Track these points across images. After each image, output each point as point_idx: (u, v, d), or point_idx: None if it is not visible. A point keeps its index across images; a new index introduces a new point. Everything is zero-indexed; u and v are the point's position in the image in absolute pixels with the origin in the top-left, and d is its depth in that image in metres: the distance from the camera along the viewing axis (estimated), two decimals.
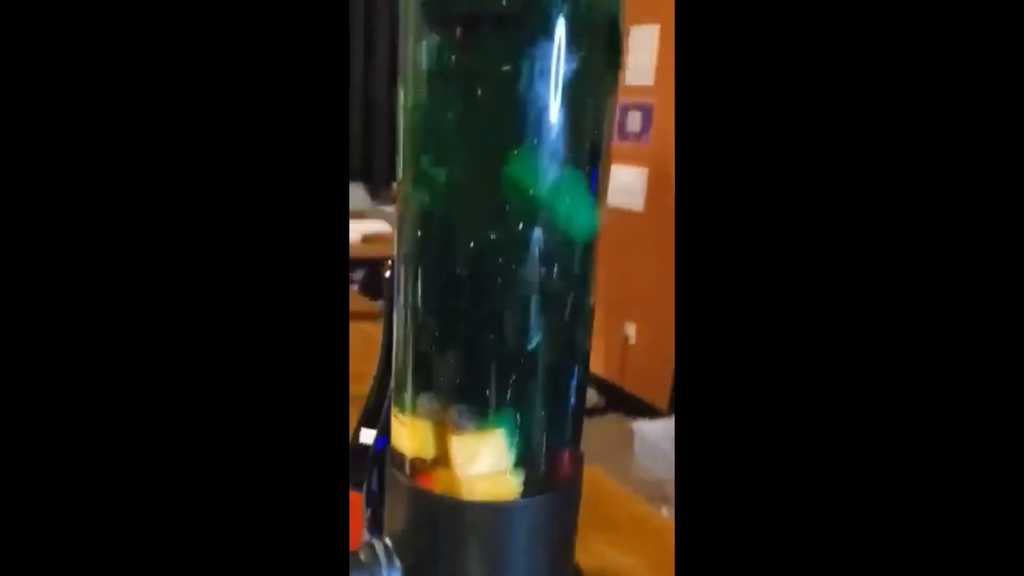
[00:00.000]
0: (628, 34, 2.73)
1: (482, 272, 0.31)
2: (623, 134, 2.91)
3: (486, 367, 0.32)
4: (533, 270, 0.31)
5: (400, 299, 0.34)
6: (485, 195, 0.31)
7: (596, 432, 2.74)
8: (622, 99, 2.79)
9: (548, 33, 0.29)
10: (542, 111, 0.30)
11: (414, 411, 0.34)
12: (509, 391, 0.32)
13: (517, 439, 0.32)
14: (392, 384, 0.36)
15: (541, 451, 0.34)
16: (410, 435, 0.34)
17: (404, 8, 0.31)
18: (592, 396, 2.66)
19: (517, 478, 0.33)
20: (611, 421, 2.90)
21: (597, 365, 3.06)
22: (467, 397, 0.32)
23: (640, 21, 2.78)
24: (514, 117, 0.30)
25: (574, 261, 0.32)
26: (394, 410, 0.35)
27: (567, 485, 0.35)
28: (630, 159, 2.87)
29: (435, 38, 0.30)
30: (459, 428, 0.32)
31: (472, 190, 0.32)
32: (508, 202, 0.31)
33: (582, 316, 0.34)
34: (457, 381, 0.32)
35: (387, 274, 0.65)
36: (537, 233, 0.31)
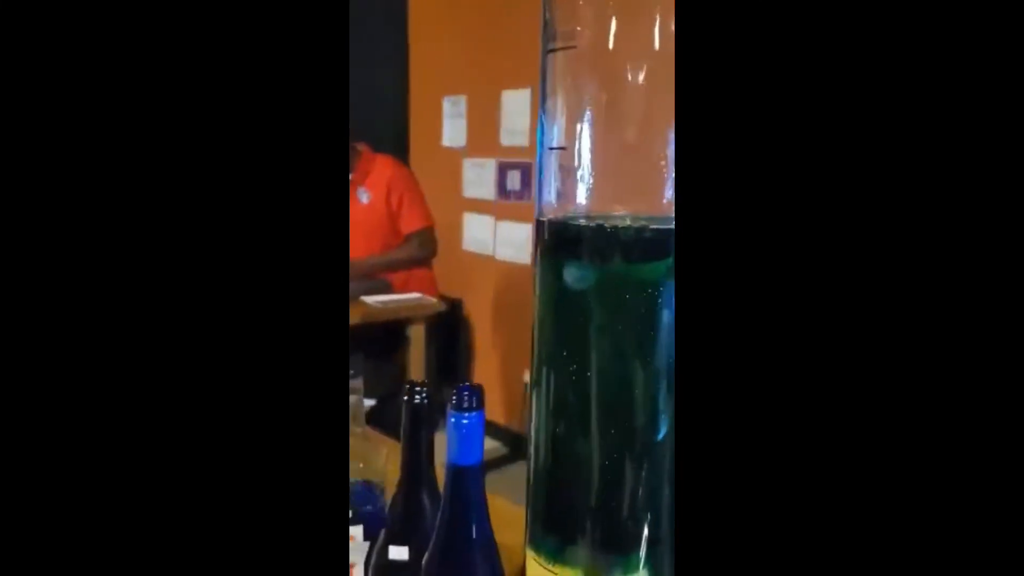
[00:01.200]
0: (500, 100, 2.86)
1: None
2: (504, 193, 3.04)
3: (628, 522, 0.40)
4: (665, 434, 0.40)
5: (544, 458, 0.41)
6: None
7: (504, 480, 2.81)
8: (501, 159, 2.93)
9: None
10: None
11: (562, 561, 0.41)
12: (650, 538, 0.40)
13: None
14: (528, 526, 0.43)
15: None
16: None
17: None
18: (495, 446, 2.74)
19: None
20: (519, 468, 2.98)
21: (497, 414, 3.14)
22: (614, 547, 0.40)
23: (513, 86, 2.93)
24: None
25: None
26: (535, 556, 0.42)
27: None
28: (514, 215, 3.00)
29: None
30: (607, 574, 0.40)
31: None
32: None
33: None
34: (606, 532, 0.40)
35: (405, 398, 0.71)
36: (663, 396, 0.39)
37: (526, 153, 2.99)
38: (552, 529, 0.42)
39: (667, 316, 0.38)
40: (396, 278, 2.39)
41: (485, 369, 2.94)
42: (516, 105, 2.93)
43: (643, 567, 0.40)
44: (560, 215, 0.39)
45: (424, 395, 0.69)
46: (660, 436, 0.40)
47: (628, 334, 0.39)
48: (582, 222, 0.38)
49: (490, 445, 2.50)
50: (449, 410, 0.61)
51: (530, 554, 0.43)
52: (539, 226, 0.40)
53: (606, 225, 0.38)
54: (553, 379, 0.41)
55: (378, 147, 2.54)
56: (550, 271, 0.40)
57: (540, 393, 0.41)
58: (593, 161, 0.37)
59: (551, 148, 0.38)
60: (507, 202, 3.06)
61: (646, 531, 0.40)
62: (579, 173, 0.38)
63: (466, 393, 0.62)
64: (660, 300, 0.38)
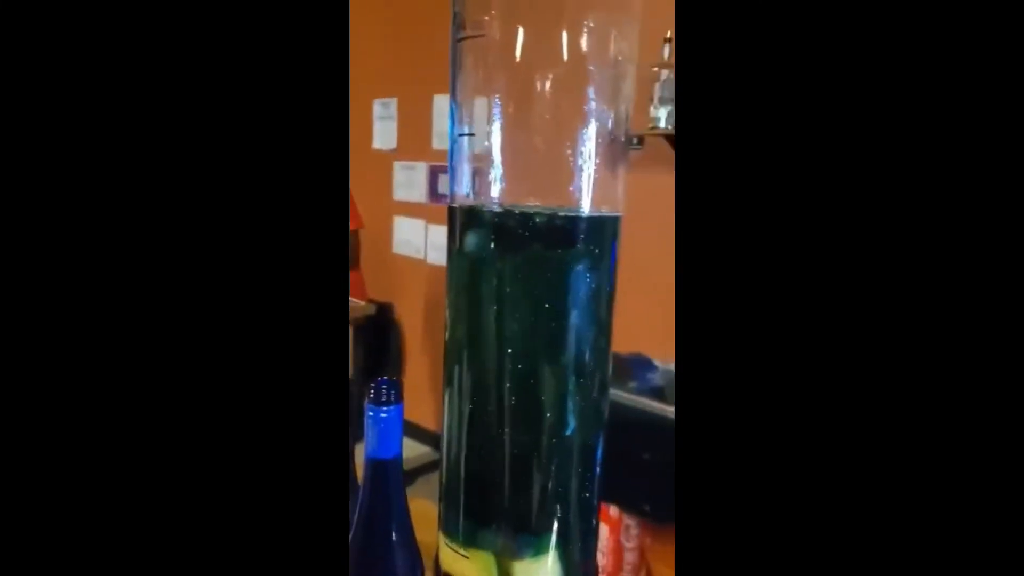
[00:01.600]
0: (432, 103, 2.86)
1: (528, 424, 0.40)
2: (435, 196, 3.04)
3: (542, 506, 0.41)
4: (574, 428, 0.41)
5: (455, 446, 0.42)
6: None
7: (433, 484, 2.80)
8: (432, 163, 2.92)
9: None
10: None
11: (475, 545, 0.42)
12: (558, 522, 0.41)
13: (565, 560, 0.41)
14: (441, 515, 0.43)
15: (578, 566, 0.43)
16: (472, 565, 0.42)
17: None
18: (426, 451, 2.72)
19: None
20: None
21: (427, 418, 3.13)
22: (525, 529, 0.41)
23: (444, 89, 2.93)
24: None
25: (600, 417, 0.42)
26: (448, 542, 0.43)
27: None
28: (442, 218, 2.99)
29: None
30: (519, 556, 0.41)
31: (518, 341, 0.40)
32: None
33: (595, 464, 0.43)
34: (517, 518, 0.41)
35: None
36: (572, 388, 0.40)
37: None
38: (465, 515, 0.42)
39: (575, 304, 0.39)
40: None
41: (416, 373, 2.92)
42: (447, 108, 2.93)
43: (553, 548, 0.41)
44: (470, 203, 0.40)
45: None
46: (570, 423, 0.41)
47: (537, 321, 0.39)
48: (493, 208, 0.39)
49: (421, 450, 2.49)
50: (367, 404, 0.61)
51: (443, 540, 0.43)
52: (451, 214, 0.41)
53: (516, 211, 0.38)
54: (464, 369, 0.41)
55: None
56: (460, 261, 0.41)
57: (451, 383, 0.42)
58: (503, 148, 0.38)
59: (461, 135, 0.39)
60: (438, 205, 3.06)
61: (557, 514, 0.41)
62: (489, 160, 0.39)
63: (384, 387, 0.62)
64: (568, 289, 0.39)
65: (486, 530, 0.41)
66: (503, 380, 0.40)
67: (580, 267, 0.39)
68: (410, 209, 2.94)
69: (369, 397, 0.62)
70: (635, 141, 2.30)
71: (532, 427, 0.40)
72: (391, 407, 0.62)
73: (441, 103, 2.90)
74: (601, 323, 0.41)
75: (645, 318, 2.57)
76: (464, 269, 0.41)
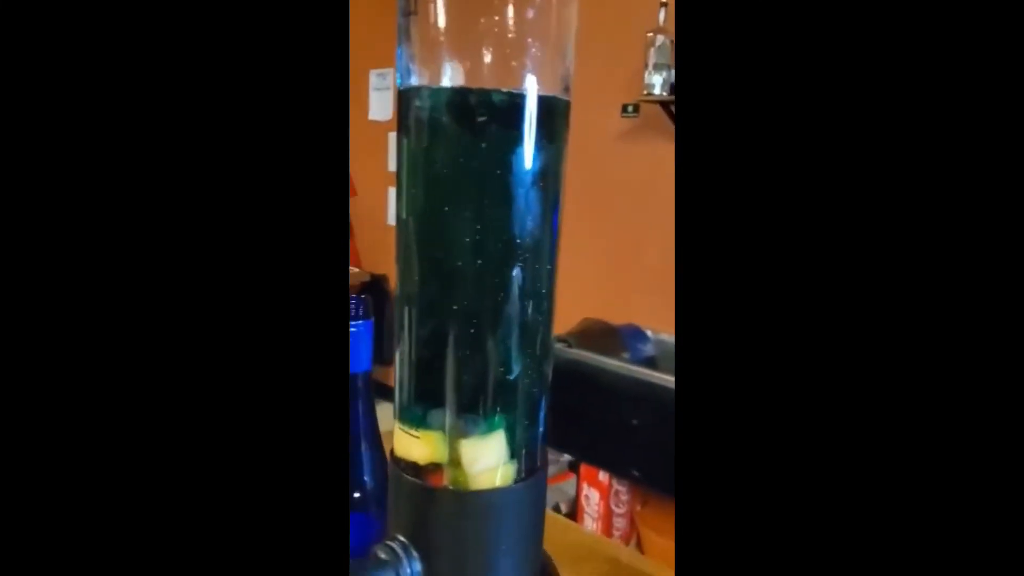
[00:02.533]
0: None
1: (476, 310, 0.41)
2: None
3: (487, 387, 0.41)
4: (515, 308, 0.41)
5: (405, 335, 0.42)
6: (477, 244, 0.40)
7: None
8: None
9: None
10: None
11: (426, 426, 0.42)
12: (504, 403, 0.42)
13: (511, 439, 0.42)
14: (396, 405, 0.44)
15: (526, 447, 0.43)
16: (423, 445, 0.42)
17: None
18: None
19: (512, 469, 0.42)
20: None
21: None
22: (472, 410, 0.41)
23: None
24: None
25: (544, 300, 0.43)
26: (402, 427, 0.43)
27: (543, 471, 0.45)
28: None
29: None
30: (467, 434, 0.41)
31: (464, 235, 0.40)
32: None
33: (548, 347, 0.44)
34: (463, 398, 0.41)
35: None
36: (517, 273, 0.40)
37: None
38: (416, 398, 0.43)
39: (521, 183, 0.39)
40: None
41: None
42: None
43: (500, 428, 0.42)
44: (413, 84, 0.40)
45: None
46: (517, 294, 0.41)
47: (483, 203, 0.40)
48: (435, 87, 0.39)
49: None
50: None
51: (396, 426, 0.44)
52: (400, 98, 0.41)
53: (457, 90, 0.39)
54: (411, 259, 0.41)
55: None
56: (404, 143, 0.41)
57: (400, 276, 0.42)
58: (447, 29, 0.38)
59: (406, 15, 0.39)
60: None
61: (503, 394, 0.42)
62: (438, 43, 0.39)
63: (353, 303, 0.63)
64: (513, 170, 0.39)
65: (435, 411, 0.42)
66: (446, 266, 0.40)
67: (524, 149, 0.39)
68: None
69: None
70: (630, 109, 2.30)
71: (477, 305, 0.40)
72: (359, 323, 0.62)
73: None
74: (548, 200, 0.41)
75: (639, 288, 2.58)
76: (406, 151, 0.41)
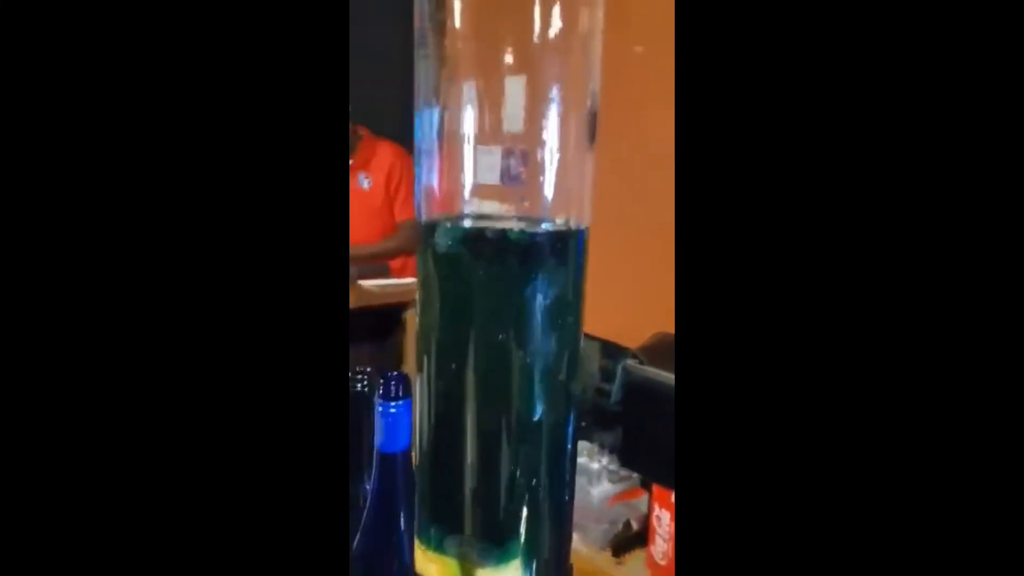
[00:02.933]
0: None
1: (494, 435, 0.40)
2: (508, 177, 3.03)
3: (503, 511, 0.41)
4: (531, 430, 0.40)
5: (424, 447, 0.42)
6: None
7: None
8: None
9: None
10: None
11: (441, 550, 0.42)
12: (520, 530, 0.41)
13: (528, 567, 0.41)
14: (416, 522, 0.44)
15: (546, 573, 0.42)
16: (439, 571, 0.42)
17: None
18: None
19: None
20: None
21: None
22: (487, 535, 0.41)
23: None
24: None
25: (564, 423, 0.41)
26: (419, 543, 0.43)
27: None
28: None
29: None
30: (482, 564, 0.41)
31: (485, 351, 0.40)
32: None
33: (566, 474, 0.43)
34: (478, 523, 0.41)
35: (358, 388, 0.72)
36: (538, 389, 0.39)
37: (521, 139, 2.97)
38: (431, 518, 0.42)
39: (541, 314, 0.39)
40: (394, 263, 2.41)
41: None
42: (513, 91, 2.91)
43: (518, 556, 0.41)
44: (435, 215, 0.40)
45: (364, 383, 0.71)
46: (536, 417, 0.40)
47: (503, 320, 0.39)
48: (465, 223, 0.39)
49: None
50: (378, 398, 0.62)
51: (417, 543, 0.43)
52: (425, 229, 0.40)
53: (480, 228, 0.38)
54: (433, 368, 0.41)
55: (381, 132, 2.54)
56: (428, 263, 0.40)
57: (422, 384, 0.42)
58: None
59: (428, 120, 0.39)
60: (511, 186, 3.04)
61: (522, 521, 0.41)
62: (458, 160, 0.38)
63: (393, 382, 0.63)
64: (535, 290, 0.38)
65: (450, 535, 0.41)
66: (468, 379, 0.40)
67: (544, 279, 0.38)
68: (483, 191, 2.93)
69: (379, 392, 0.63)
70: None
71: (496, 420, 0.40)
72: (399, 402, 0.63)
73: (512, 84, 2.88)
74: (567, 328, 0.40)
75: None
76: (431, 272, 0.40)
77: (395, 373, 0.63)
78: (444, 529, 0.42)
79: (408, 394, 0.62)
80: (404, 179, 2.44)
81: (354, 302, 2.08)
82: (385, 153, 2.44)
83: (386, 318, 2.26)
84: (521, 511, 0.41)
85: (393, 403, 0.61)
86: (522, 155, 0.37)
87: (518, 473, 0.40)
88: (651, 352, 2.30)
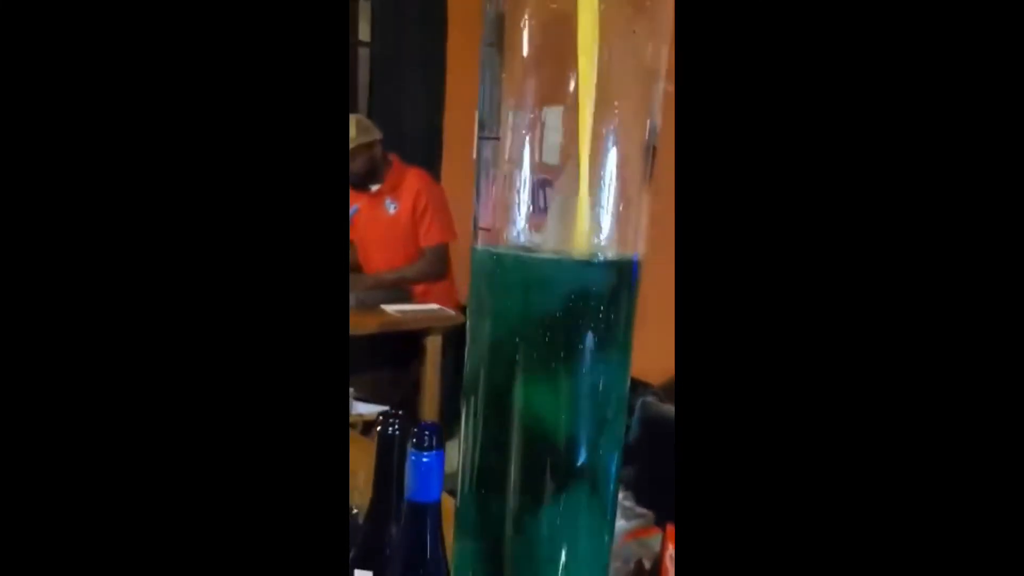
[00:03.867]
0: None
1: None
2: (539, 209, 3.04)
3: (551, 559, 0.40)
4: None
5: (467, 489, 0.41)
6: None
7: None
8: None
9: None
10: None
11: None
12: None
13: None
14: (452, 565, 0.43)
15: None
16: None
17: None
18: None
19: None
20: None
21: None
22: None
23: (549, 102, 2.94)
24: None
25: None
26: None
27: None
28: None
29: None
30: None
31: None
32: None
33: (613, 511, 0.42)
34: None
35: (378, 428, 0.71)
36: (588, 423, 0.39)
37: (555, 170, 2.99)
38: (475, 561, 0.42)
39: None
40: (416, 288, 2.42)
41: None
42: (551, 121, 2.94)
43: None
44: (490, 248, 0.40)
45: (396, 426, 0.70)
46: (583, 458, 0.40)
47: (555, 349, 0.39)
48: (518, 253, 0.39)
49: None
50: (410, 448, 0.62)
51: None
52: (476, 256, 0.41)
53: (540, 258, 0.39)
54: (478, 413, 0.41)
55: (410, 159, 2.57)
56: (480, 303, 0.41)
57: (467, 427, 0.42)
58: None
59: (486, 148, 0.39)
60: (539, 218, 3.05)
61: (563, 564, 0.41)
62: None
63: (427, 432, 0.62)
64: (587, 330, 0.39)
65: None
66: (516, 412, 0.40)
67: (598, 314, 0.38)
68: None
69: (412, 442, 0.62)
70: None
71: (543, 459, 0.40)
72: (431, 452, 0.62)
73: (551, 116, 2.90)
74: (618, 358, 0.40)
75: None
76: (483, 311, 0.41)
77: (429, 423, 0.63)
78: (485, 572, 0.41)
79: (441, 445, 0.61)
80: (430, 205, 2.46)
81: (376, 327, 2.09)
82: (413, 180, 2.47)
83: (407, 343, 2.26)
84: (562, 552, 0.41)
85: (425, 453, 0.61)
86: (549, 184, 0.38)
87: (560, 514, 0.40)
88: (670, 389, 2.28)
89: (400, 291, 2.37)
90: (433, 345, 2.24)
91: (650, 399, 2.18)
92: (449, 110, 3.33)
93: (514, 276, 0.37)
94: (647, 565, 2.30)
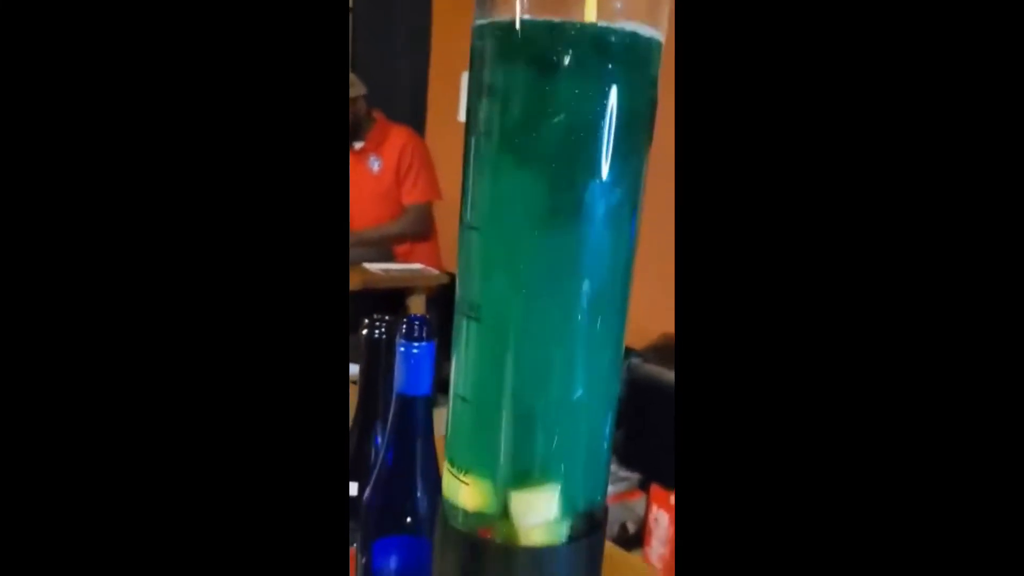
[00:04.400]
0: None
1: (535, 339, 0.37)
2: None
3: (543, 428, 0.38)
4: (582, 333, 0.37)
5: (460, 360, 0.39)
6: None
7: None
8: None
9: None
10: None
11: (475, 472, 0.39)
12: (561, 450, 0.38)
13: (568, 491, 0.39)
14: (448, 446, 0.41)
15: (585, 501, 0.40)
16: (471, 492, 0.39)
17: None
18: None
19: (567, 525, 0.39)
20: None
21: None
22: (525, 456, 0.38)
23: None
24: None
25: (614, 323, 0.38)
26: (449, 468, 0.40)
27: (598, 531, 0.41)
28: None
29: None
30: (518, 484, 0.38)
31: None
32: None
33: (614, 390, 0.40)
34: (517, 442, 0.38)
35: (364, 332, 0.69)
36: (586, 286, 0.36)
37: None
38: (468, 441, 0.40)
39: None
40: (400, 248, 2.39)
41: None
42: None
43: (555, 481, 0.38)
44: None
45: (383, 330, 0.68)
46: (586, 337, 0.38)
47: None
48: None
49: None
50: (399, 339, 0.60)
51: (446, 465, 0.41)
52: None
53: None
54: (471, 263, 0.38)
55: (395, 118, 2.53)
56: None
57: (460, 314, 0.39)
58: None
59: None
60: None
61: (561, 446, 0.38)
62: None
63: (416, 323, 0.60)
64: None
65: (486, 455, 0.39)
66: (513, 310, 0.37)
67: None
68: None
69: (401, 332, 0.60)
70: None
71: (540, 329, 0.37)
72: (422, 344, 0.60)
73: None
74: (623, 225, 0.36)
75: None
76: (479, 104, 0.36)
77: (418, 316, 0.61)
78: (478, 451, 0.39)
79: (431, 336, 0.59)
80: (414, 163, 2.42)
81: (357, 285, 2.06)
82: (397, 136, 2.42)
83: (389, 302, 2.23)
84: (561, 437, 0.38)
85: (416, 344, 0.59)
86: None
87: (561, 385, 0.38)
88: (657, 352, 2.27)
89: (384, 251, 2.34)
90: (416, 304, 2.22)
91: (636, 360, 2.17)
92: (435, 66, 3.28)
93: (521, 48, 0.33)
94: (631, 529, 2.31)
